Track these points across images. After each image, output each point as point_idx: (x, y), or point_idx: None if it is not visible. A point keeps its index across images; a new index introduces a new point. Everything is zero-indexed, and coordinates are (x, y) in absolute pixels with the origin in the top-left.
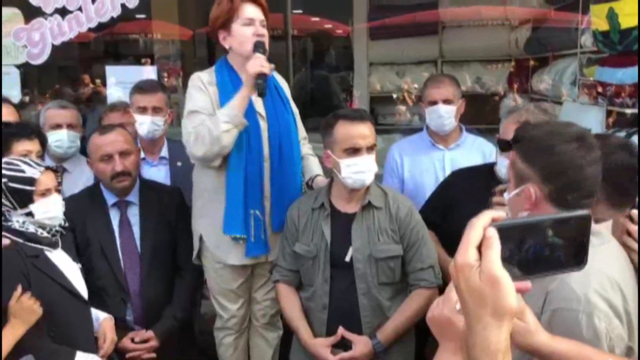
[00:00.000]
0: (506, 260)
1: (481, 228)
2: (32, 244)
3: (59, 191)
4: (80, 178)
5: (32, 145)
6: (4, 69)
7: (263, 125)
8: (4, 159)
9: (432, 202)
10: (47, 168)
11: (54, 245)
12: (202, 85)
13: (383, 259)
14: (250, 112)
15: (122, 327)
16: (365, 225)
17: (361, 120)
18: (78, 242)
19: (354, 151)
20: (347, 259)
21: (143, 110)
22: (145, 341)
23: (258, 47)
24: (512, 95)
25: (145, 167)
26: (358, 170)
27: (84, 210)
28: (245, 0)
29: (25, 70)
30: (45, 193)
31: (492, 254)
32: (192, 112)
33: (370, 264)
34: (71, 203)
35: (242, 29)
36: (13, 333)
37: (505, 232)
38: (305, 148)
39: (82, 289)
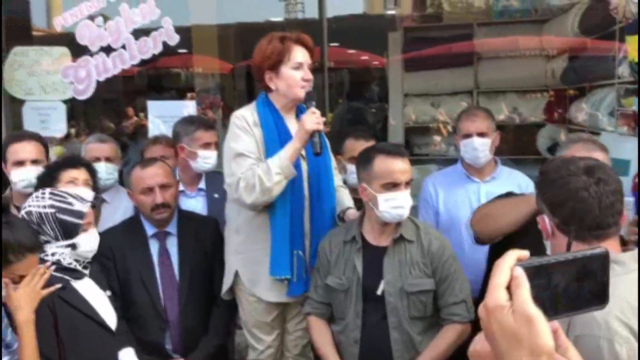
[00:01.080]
0: (534, 300)
1: (508, 268)
2: (59, 274)
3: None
4: (118, 208)
5: (79, 173)
6: (51, 104)
7: (304, 165)
8: (49, 190)
9: None
10: (90, 203)
11: (80, 276)
12: (247, 127)
13: (415, 292)
14: None
15: (161, 355)
16: (397, 258)
17: (400, 156)
18: (118, 272)
19: (394, 186)
20: (379, 292)
21: (208, 145)
22: None
23: (311, 98)
24: (550, 126)
25: (184, 199)
26: (397, 205)
27: (124, 240)
28: (296, 42)
29: (72, 104)
30: (87, 227)
31: (523, 292)
32: (239, 155)
33: (402, 297)
34: (112, 233)
35: (291, 73)
36: (25, 336)
37: (532, 271)
38: (337, 179)
39: (109, 317)
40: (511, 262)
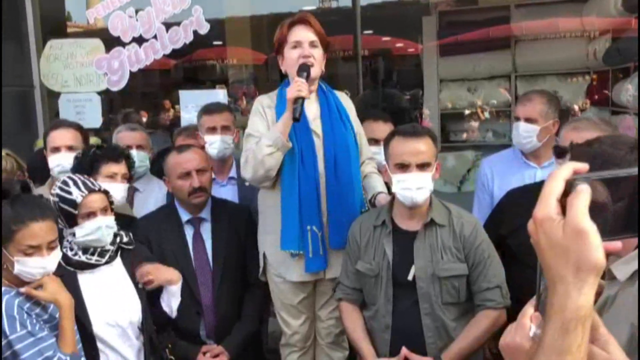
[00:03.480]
0: (593, 216)
1: (562, 180)
2: (62, 262)
3: (108, 212)
4: (150, 196)
5: (118, 168)
6: (87, 96)
7: (318, 143)
8: (65, 177)
9: (490, 228)
10: (93, 190)
11: (82, 268)
12: (261, 109)
13: (447, 278)
14: (304, 130)
15: (196, 342)
16: (428, 243)
17: (415, 136)
18: (155, 258)
19: (402, 167)
20: (410, 277)
21: (212, 130)
22: (216, 356)
23: (301, 69)
24: (593, 110)
25: (215, 187)
26: (405, 187)
27: (161, 227)
28: (295, 23)
29: (111, 96)
30: (88, 215)
31: (580, 205)
32: (247, 135)
33: (434, 283)
34: (148, 220)
35: (290, 52)
36: (68, 318)
37: (593, 185)
38: (370, 167)
39: (107, 319)
40: (566, 174)
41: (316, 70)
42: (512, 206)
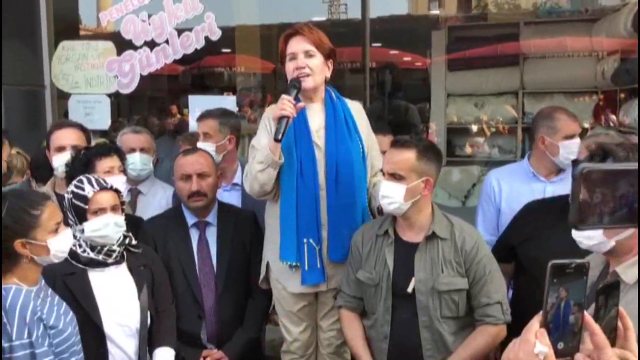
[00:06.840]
0: (597, 205)
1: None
2: (72, 261)
3: (118, 210)
4: (153, 199)
5: (112, 161)
6: (96, 98)
7: (319, 155)
8: (80, 177)
9: (504, 239)
10: (105, 188)
11: (92, 265)
12: (266, 121)
13: (446, 292)
14: (306, 142)
15: (196, 345)
16: (429, 256)
17: (396, 147)
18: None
19: (383, 174)
20: (410, 289)
21: (202, 136)
22: None
23: (291, 86)
24: (598, 129)
25: (219, 192)
26: (379, 193)
27: (167, 229)
28: (290, 36)
29: (119, 100)
30: (98, 212)
31: None
32: (251, 147)
33: (433, 296)
34: (155, 222)
35: (287, 65)
36: None
37: (598, 176)
38: (380, 176)
39: (116, 317)
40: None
41: (315, 80)
42: (526, 218)
